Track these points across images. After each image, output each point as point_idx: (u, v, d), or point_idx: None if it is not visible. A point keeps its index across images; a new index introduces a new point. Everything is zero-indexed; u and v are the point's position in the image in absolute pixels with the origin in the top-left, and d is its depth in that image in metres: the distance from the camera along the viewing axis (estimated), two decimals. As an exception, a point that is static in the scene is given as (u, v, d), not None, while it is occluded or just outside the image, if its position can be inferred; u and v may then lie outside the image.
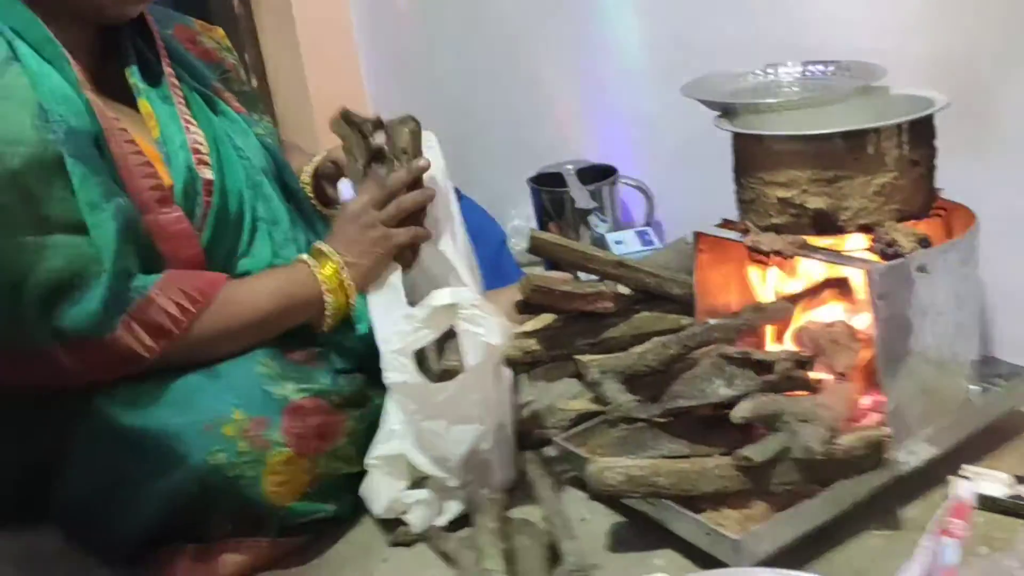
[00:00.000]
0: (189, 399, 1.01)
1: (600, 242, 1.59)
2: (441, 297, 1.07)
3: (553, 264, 1.53)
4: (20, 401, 1.04)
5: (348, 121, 1.21)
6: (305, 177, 1.33)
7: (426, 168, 1.16)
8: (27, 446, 1.08)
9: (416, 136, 1.17)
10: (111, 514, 1.04)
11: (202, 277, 1.06)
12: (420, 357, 1.08)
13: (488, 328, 1.05)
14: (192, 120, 1.15)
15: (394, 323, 1.09)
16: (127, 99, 1.12)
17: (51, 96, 0.99)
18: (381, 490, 1.08)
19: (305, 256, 1.13)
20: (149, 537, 1.04)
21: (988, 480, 1.01)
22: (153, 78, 1.14)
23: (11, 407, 1.06)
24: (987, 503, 0.99)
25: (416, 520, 1.07)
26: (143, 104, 1.11)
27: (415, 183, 1.16)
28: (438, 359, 1.10)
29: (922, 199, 1.05)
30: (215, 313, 1.04)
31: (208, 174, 1.13)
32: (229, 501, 1.00)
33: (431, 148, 1.20)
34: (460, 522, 1.08)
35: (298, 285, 1.11)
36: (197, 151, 1.13)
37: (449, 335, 1.11)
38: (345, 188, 1.25)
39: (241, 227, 1.17)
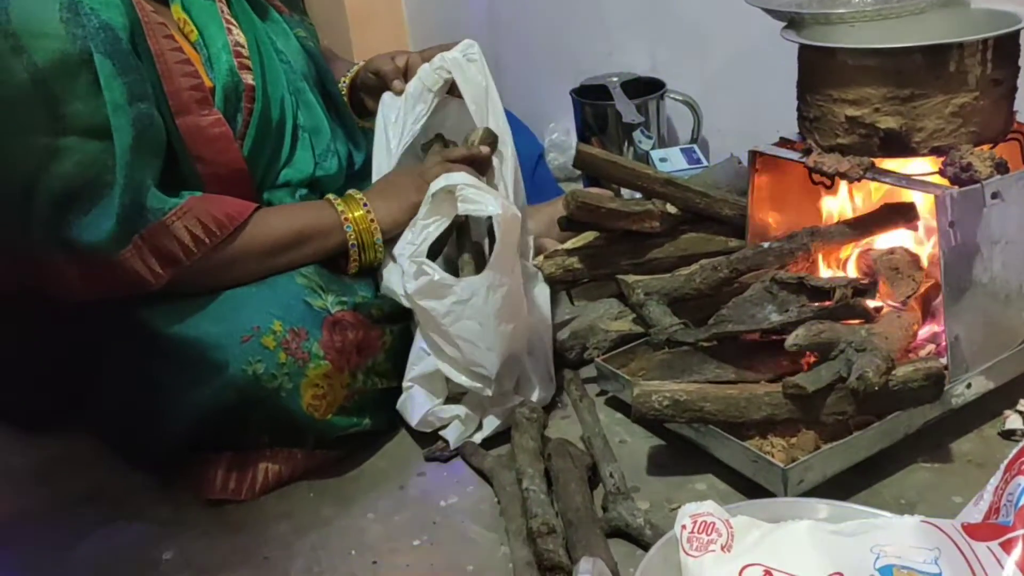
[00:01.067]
0: (229, 309, 0.99)
1: (644, 159, 1.54)
2: (433, 185, 1.04)
3: (593, 180, 1.49)
4: (56, 305, 1.03)
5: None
6: (342, 87, 1.28)
7: (487, 155, 1.11)
8: (62, 351, 1.07)
9: (489, 134, 1.13)
10: (147, 421, 1.03)
11: (223, 206, 1.00)
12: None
13: (485, 202, 1.01)
14: (233, 20, 1.10)
15: (404, 238, 1.07)
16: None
17: None
18: (417, 404, 1.06)
19: (333, 196, 1.09)
20: (185, 444, 1.03)
21: (1043, 417, 0.98)
22: None
23: (46, 311, 1.04)
24: (1042, 440, 0.96)
25: (452, 435, 1.06)
26: (176, 10, 1.06)
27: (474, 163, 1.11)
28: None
29: (1001, 122, 0.99)
30: (231, 247, 1.00)
31: (250, 79, 1.08)
32: (267, 412, 0.99)
33: (474, 60, 1.15)
34: (497, 439, 1.06)
35: (323, 225, 1.07)
36: (239, 54, 1.07)
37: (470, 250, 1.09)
38: (388, 101, 1.19)
39: (283, 135, 1.12)
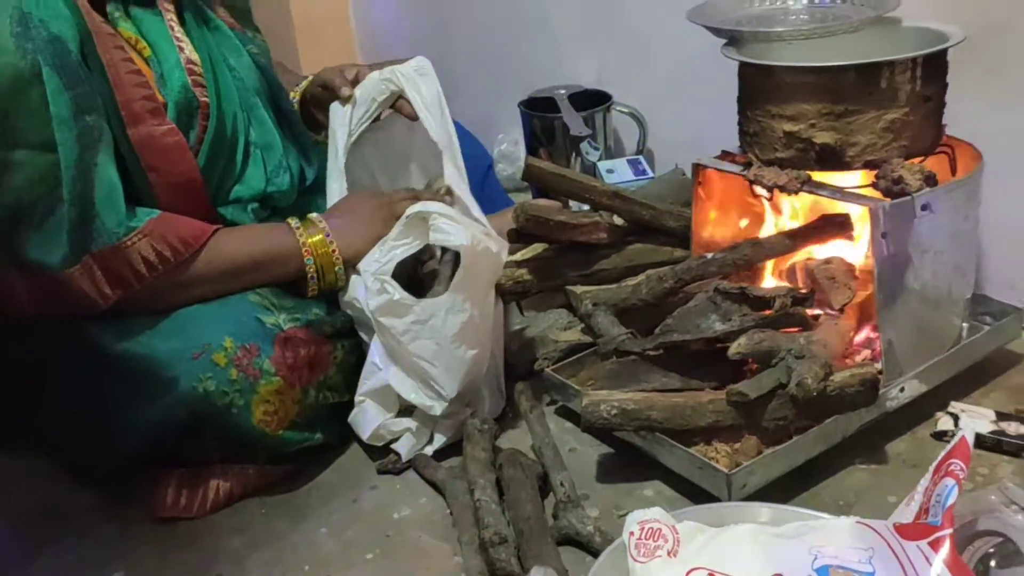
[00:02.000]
0: (179, 325, 0.98)
1: (591, 170, 1.56)
2: (409, 209, 1.05)
3: (541, 191, 1.51)
4: (2, 320, 1.01)
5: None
6: (293, 102, 1.27)
7: (446, 194, 1.13)
8: (8, 366, 1.06)
9: (449, 190, 1.14)
10: (96, 438, 1.02)
11: (180, 229, 1.00)
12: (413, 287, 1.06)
13: (456, 232, 1.02)
14: (184, 38, 1.09)
15: (371, 255, 1.08)
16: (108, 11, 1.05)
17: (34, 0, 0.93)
18: (369, 418, 1.07)
19: (293, 220, 1.09)
20: (135, 461, 1.03)
21: (973, 417, 1.03)
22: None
23: None
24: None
25: (404, 448, 1.06)
26: (123, 31, 1.03)
27: None
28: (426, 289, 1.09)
29: (930, 136, 1.03)
30: (186, 271, 1.00)
31: (204, 96, 1.07)
32: (218, 429, 0.99)
33: (426, 75, 1.15)
34: (449, 451, 1.07)
35: (282, 251, 1.06)
36: (192, 71, 1.07)
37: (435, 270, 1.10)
38: (337, 110, 1.19)
39: (235, 152, 1.12)
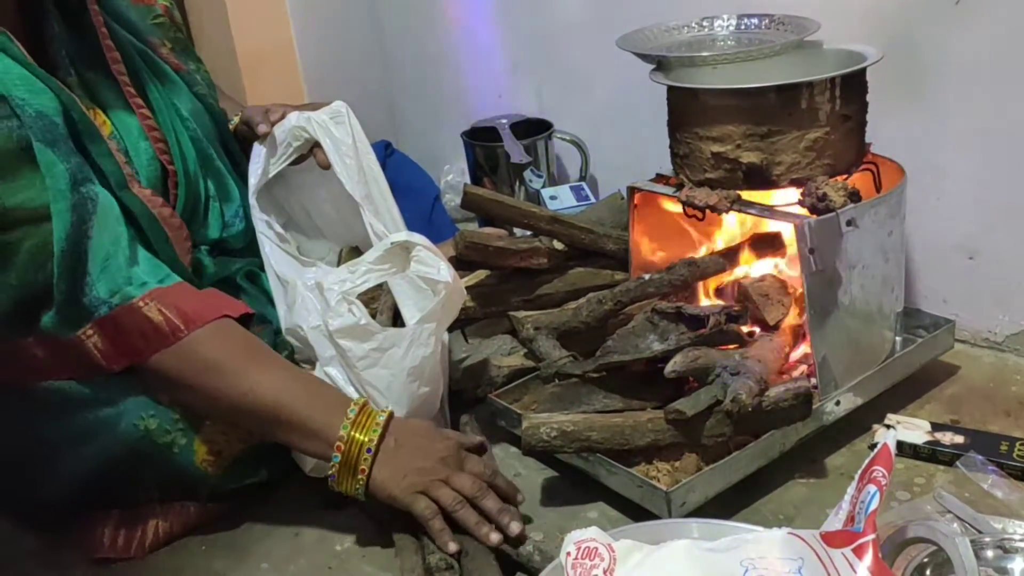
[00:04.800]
0: None
1: (535, 197, 1.58)
2: (394, 236, 1.05)
3: (487, 220, 1.52)
4: None
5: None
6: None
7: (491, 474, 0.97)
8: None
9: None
10: (33, 478, 1.00)
11: (189, 304, 0.95)
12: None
13: (439, 269, 1.02)
14: (143, 103, 1.08)
15: (339, 274, 1.07)
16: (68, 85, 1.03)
17: (6, 78, 0.91)
18: (312, 451, 1.06)
19: (358, 398, 0.97)
20: (73, 502, 1.00)
21: (909, 428, 1.04)
22: (93, 60, 1.06)
23: None
24: (907, 450, 1.02)
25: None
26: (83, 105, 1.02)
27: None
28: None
29: (853, 154, 1.06)
30: (210, 354, 0.94)
31: (170, 164, 1.07)
32: (158, 468, 0.97)
33: (341, 122, 1.14)
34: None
35: (311, 424, 0.93)
36: (156, 139, 1.07)
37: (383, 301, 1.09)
38: (256, 152, 1.18)
39: (198, 208, 1.12)
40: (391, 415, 0.96)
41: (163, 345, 0.93)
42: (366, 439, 0.92)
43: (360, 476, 0.92)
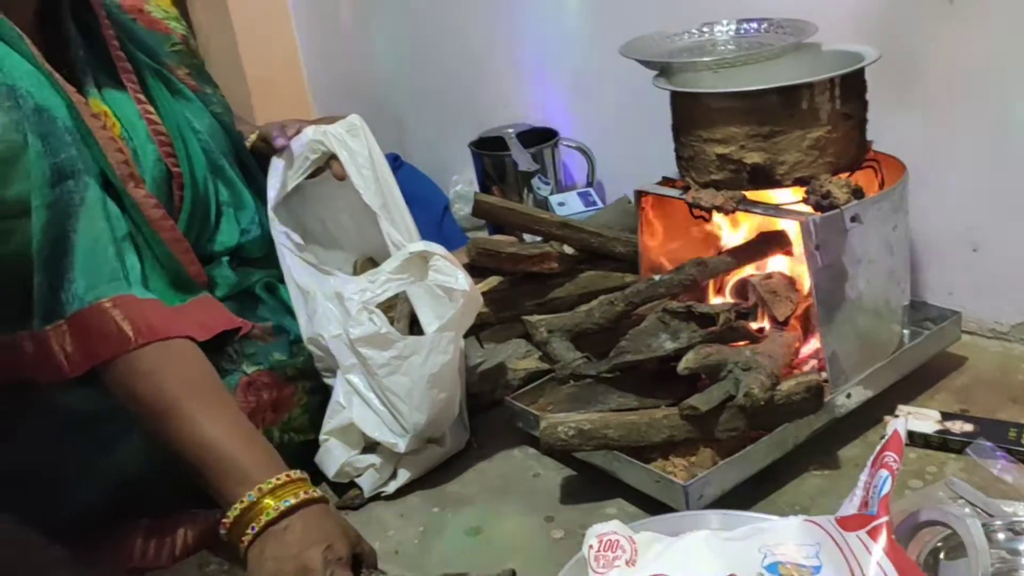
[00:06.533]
0: None
1: (543, 204, 1.61)
2: (412, 246, 1.07)
3: (497, 228, 1.55)
4: None
5: None
6: None
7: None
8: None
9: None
10: (58, 492, 1.02)
11: (151, 317, 0.94)
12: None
13: (457, 278, 1.04)
14: (151, 108, 1.12)
15: (359, 283, 1.09)
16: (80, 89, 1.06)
17: (14, 72, 0.94)
18: (334, 457, 1.08)
19: (284, 475, 0.88)
20: (101, 514, 1.03)
21: (919, 418, 1.06)
22: (102, 61, 1.10)
23: None
24: (919, 439, 1.04)
25: (367, 484, 1.08)
26: (94, 103, 1.06)
27: None
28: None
29: (855, 151, 1.08)
30: (161, 369, 0.92)
31: (176, 167, 1.10)
32: (182, 476, 0.99)
33: (357, 135, 1.16)
34: (413, 485, 1.09)
35: (229, 471, 0.88)
36: (162, 143, 1.10)
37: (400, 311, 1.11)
38: (273, 166, 1.21)
39: (208, 213, 1.15)
40: (315, 500, 0.88)
41: (118, 351, 0.92)
42: (272, 506, 0.85)
43: (241, 545, 0.86)
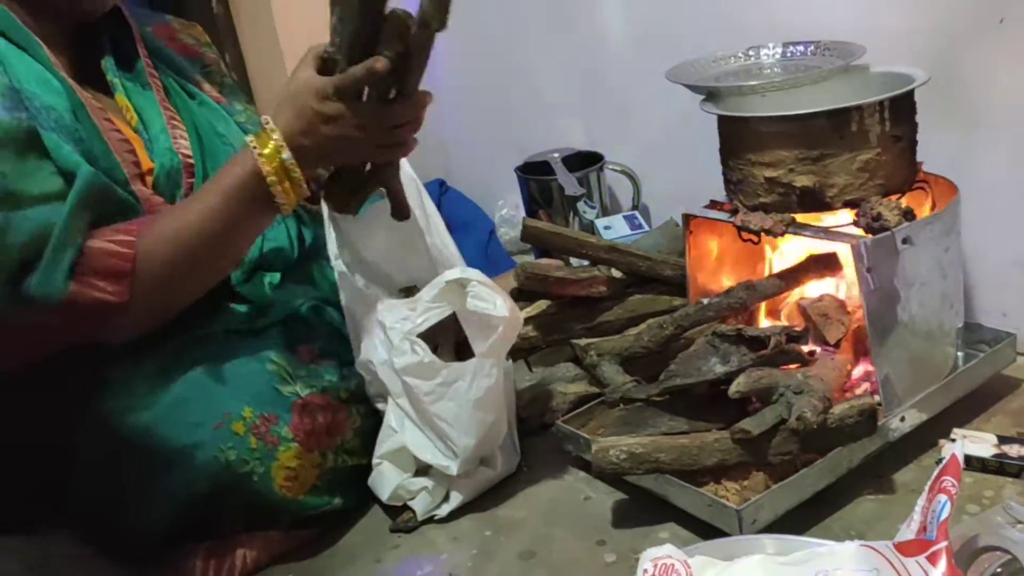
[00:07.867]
0: (199, 397, 1.02)
1: (589, 228, 1.62)
2: (449, 274, 1.08)
3: (543, 252, 1.56)
4: (23, 396, 1.04)
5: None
6: None
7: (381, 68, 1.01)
8: (29, 445, 1.09)
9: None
10: (122, 514, 1.05)
11: (129, 224, 1.00)
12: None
13: (496, 304, 1.05)
14: (170, 107, 1.16)
15: (399, 312, 1.10)
16: (107, 91, 1.12)
17: (24, 76, 0.99)
18: (387, 480, 1.10)
19: (250, 137, 1.01)
20: (163, 536, 1.05)
21: (975, 442, 1.05)
22: (130, 68, 1.15)
23: (15, 406, 1.04)
24: (975, 463, 1.02)
25: (420, 506, 1.09)
26: (120, 98, 1.12)
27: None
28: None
29: (905, 173, 1.08)
30: (160, 230, 0.99)
31: (187, 153, 1.13)
32: (241, 497, 1.01)
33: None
34: (465, 508, 1.10)
35: (238, 178, 1.00)
36: (176, 136, 1.13)
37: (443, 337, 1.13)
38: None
39: None
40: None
41: (130, 254, 0.97)
42: (272, 145, 0.98)
43: (286, 163, 0.98)
